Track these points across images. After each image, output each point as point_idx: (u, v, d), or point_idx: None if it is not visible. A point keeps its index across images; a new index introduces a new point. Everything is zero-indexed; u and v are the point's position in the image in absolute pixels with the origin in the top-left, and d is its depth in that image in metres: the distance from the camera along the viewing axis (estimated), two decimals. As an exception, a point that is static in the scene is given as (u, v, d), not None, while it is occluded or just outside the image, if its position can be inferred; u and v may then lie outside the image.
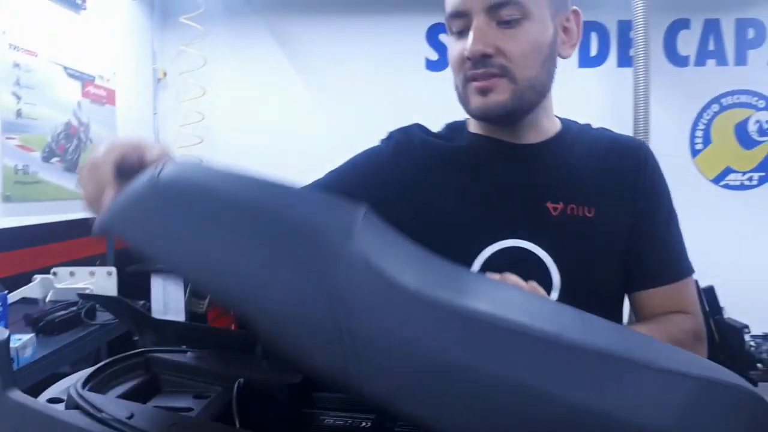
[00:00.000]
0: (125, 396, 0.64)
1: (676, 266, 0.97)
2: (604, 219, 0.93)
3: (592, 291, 0.92)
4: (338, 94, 3.75)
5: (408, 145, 1.00)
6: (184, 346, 0.76)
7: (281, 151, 3.82)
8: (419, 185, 0.96)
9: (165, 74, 3.84)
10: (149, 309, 2.61)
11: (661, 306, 0.95)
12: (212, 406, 0.65)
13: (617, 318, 0.99)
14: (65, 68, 2.85)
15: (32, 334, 1.79)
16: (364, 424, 0.65)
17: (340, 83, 3.78)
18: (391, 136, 1.03)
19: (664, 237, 0.97)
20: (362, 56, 3.78)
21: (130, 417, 0.55)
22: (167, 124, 3.84)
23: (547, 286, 0.90)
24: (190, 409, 0.65)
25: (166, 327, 0.79)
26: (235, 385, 0.67)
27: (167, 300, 3.32)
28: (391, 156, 1.00)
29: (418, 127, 1.04)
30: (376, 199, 0.98)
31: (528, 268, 0.89)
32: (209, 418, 0.63)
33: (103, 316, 2.15)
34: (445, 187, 0.96)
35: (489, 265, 0.91)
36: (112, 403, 0.58)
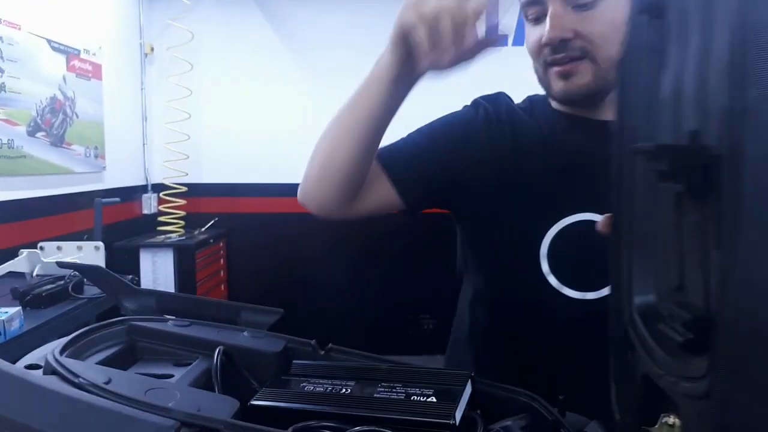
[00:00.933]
0: (104, 363, 0.64)
1: None
2: None
3: None
4: (328, 71, 3.71)
5: (497, 114, 1.00)
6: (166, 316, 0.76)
7: (269, 127, 3.80)
8: (507, 153, 0.97)
9: (152, 49, 3.79)
10: (137, 283, 2.61)
11: None
12: (193, 373, 0.66)
13: None
14: (49, 41, 2.80)
15: (19, 307, 1.78)
16: (344, 390, 0.65)
17: (329, 59, 3.74)
18: (479, 103, 1.03)
19: None
20: (355, 31, 3.73)
21: (108, 382, 0.55)
22: (154, 100, 3.80)
23: None
24: (170, 376, 0.65)
25: (148, 296, 0.79)
26: (216, 353, 0.67)
27: (156, 274, 3.33)
28: (482, 123, 0.99)
29: (505, 96, 1.04)
30: (468, 161, 0.99)
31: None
32: (189, 385, 0.63)
33: (91, 290, 2.14)
34: (529, 158, 0.96)
35: (563, 236, 0.92)
36: (89, 369, 0.58)
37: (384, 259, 3.76)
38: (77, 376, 0.54)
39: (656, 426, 0.47)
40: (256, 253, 3.89)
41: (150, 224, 3.68)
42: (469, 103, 1.04)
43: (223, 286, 3.82)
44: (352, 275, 3.68)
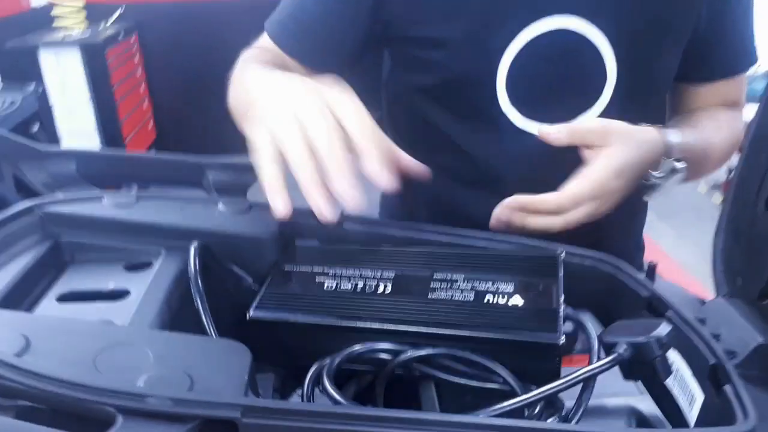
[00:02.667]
0: (16, 287, 0.41)
1: (749, 55, 0.76)
2: None
3: (651, 86, 0.73)
4: None
5: None
6: (98, 191, 0.52)
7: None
8: None
9: None
10: (43, 96, 2.22)
11: (716, 100, 0.77)
12: (158, 284, 0.44)
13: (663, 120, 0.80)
14: None
15: None
16: (382, 287, 0.46)
17: None
18: None
19: (741, 18, 0.74)
20: None
21: (26, 348, 0.33)
22: None
23: (600, 82, 0.69)
24: (123, 294, 0.43)
25: (63, 160, 0.53)
26: (191, 252, 0.44)
27: (65, 80, 2.88)
28: None
29: None
30: None
31: (579, 57, 0.66)
32: (159, 306, 0.42)
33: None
34: None
35: (531, 54, 0.67)
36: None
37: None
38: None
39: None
40: (174, 49, 3.42)
41: (42, 20, 3.10)
42: None
43: (142, 88, 3.40)
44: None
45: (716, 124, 0.74)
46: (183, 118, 3.53)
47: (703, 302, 0.53)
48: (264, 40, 0.73)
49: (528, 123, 0.70)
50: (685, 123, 0.73)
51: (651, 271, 0.55)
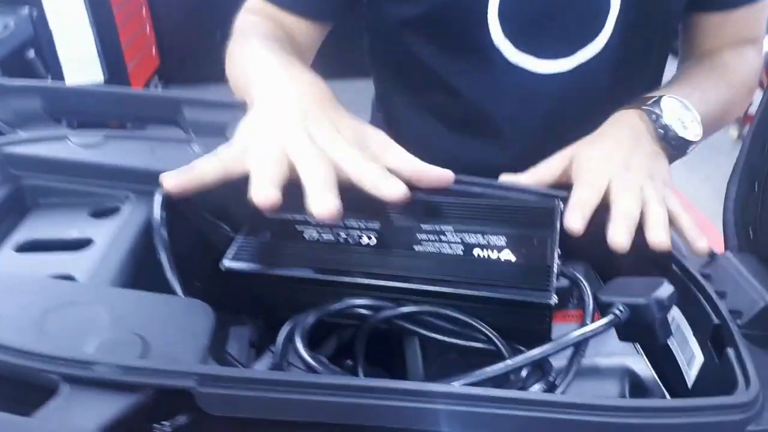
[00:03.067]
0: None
1: None
2: None
3: (658, 16, 0.66)
4: None
5: None
6: (65, 129, 0.48)
7: None
8: None
9: None
10: (42, 18, 2.13)
11: (732, 35, 0.69)
12: (125, 234, 0.41)
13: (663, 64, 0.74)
14: None
15: None
16: (366, 239, 0.43)
17: None
18: None
19: None
20: None
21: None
22: None
23: (602, 12, 0.62)
24: (85, 243, 0.40)
25: (26, 95, 0.49)
26: (157, 195, 0.41)
27: (64, 6, 2.77)
28: None
29: None
30: None
31: None
32: (128, 257, 0.39)
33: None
34: None
35: None
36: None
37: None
38: None
39: None
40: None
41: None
42: None
43: (144, 12, 3.29)
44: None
45: (720, 81, 0.66)
46: (187, 45, 3.42)
47: (711, 255, 0.50)
48: (253, 2, 0.68)
49: (522, 57, 0.64)
50: (683, 83, 0.66)
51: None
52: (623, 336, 0.39)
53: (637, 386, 0.41)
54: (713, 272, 0.46)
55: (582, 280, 0.41)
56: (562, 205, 0.44)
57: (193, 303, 0.34)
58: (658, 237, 0.46)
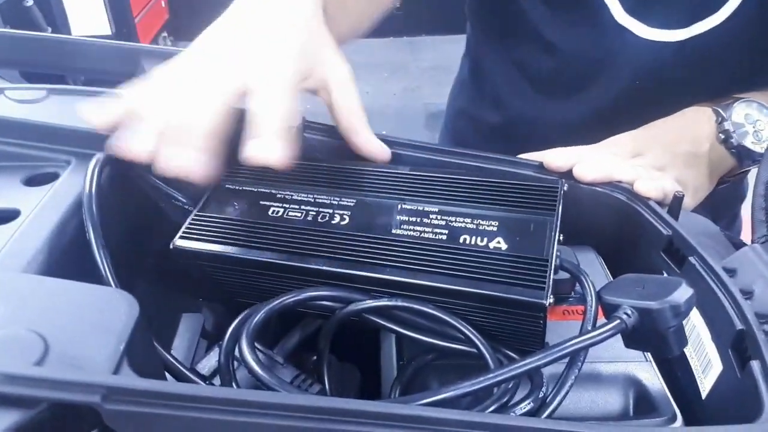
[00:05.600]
0: None
1: None
2: None
3: None
4: None
5: None
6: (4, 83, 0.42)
7: None
8: None
9: None
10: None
11: None
12: (56, 205, 0.35)
13: None
14: None
15: None
16: (338, 218, 0.37)
17: None
18: None
19: None
20: None
21: None
22: None
23: None
24: (12, 215, 0.35)
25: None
26: (94, 160, 0.36)
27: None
28: None
29: None
30: None
31: None
32: (55, 233, 0.34)
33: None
34: None
35: None
36: None
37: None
38: None
39: None
40: None
41: None
42: None
43: None
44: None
45: None
46: (198, -3, 3.33)
47: (736, 245, 0.44)
48: None
49: (630, 21, 0.58)
50: None
51: (676, 204, 0.45)
52: (630, 343, 0.33)
53: (642, 398, 0.35)
54: (739, 267, 0.40)
55: (585, 275, 0.36)
56: (566, 186, 0.38)
57: (113, 294, 0.28)
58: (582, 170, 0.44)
